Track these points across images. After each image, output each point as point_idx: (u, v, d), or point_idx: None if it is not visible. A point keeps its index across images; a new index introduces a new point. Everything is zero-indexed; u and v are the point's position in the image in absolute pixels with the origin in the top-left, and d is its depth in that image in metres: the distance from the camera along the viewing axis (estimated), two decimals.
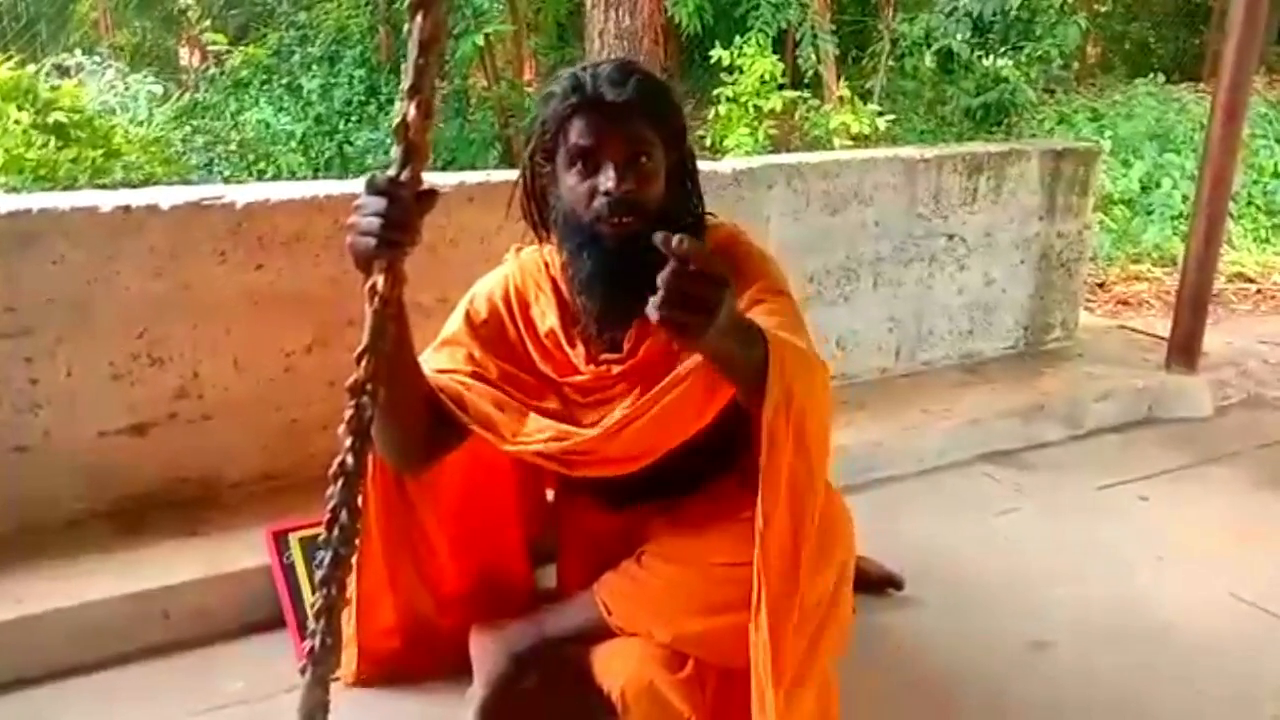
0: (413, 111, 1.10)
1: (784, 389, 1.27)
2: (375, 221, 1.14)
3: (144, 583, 1.83)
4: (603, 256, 1.44)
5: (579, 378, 1.56)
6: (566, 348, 1.57)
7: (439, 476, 1.63)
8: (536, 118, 1.51)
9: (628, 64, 1.48)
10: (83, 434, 2.01)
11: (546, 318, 1.58)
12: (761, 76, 5.71)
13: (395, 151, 1.14)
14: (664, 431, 1.46)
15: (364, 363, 1.16)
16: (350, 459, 1.15)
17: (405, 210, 1.15)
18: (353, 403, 1.16)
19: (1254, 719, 1.73)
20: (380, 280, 1.16)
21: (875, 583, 2.01)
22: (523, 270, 1.63)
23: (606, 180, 1.41)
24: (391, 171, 1.15)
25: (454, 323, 1.61)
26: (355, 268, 1.19)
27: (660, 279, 1.09)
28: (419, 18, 1.08)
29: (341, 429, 1.16)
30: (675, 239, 1.07)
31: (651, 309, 1.09)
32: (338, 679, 1.61)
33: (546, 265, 1.60)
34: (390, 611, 1.71)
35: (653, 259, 1.34)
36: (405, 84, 1.10)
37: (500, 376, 1.55)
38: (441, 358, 1.56)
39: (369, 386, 1.16)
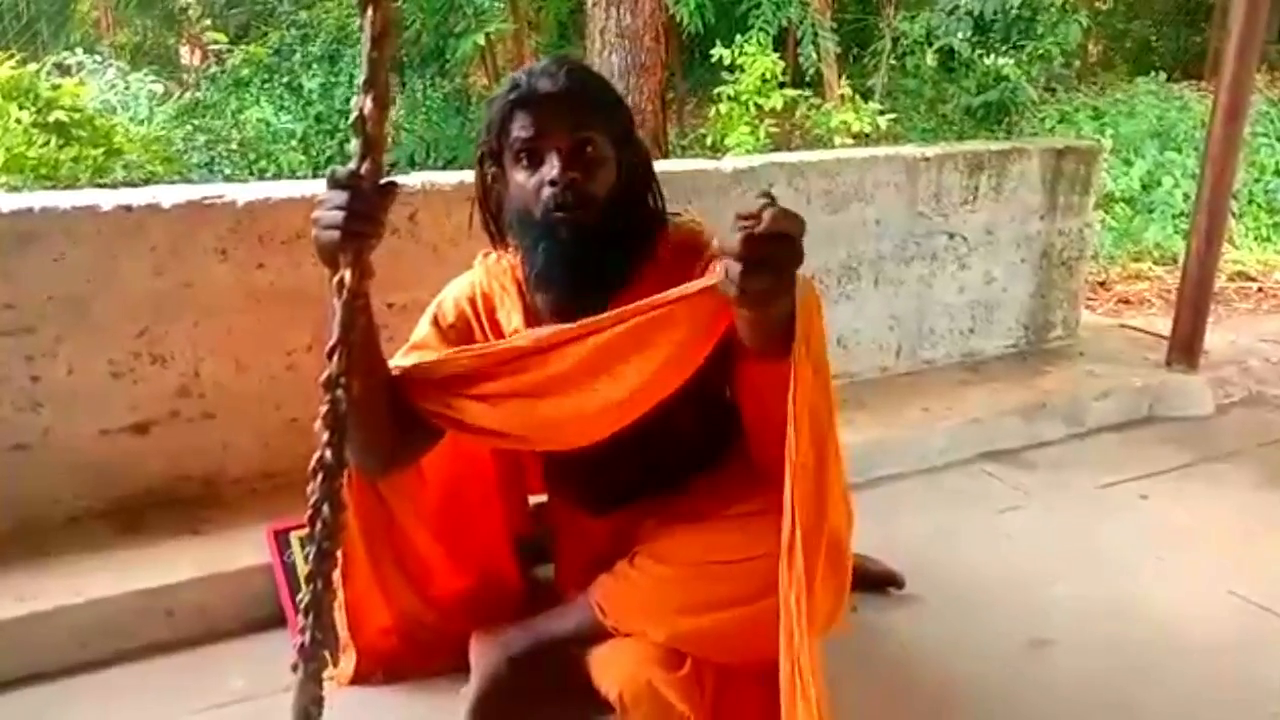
0: (369, 105, 1.11)
1: (804, 329, 1.24)
2: (338, 215, 1.15)
3: (146, 581, 1.83)
4: (556, 249, 1.42)
5: None
6: None
7: (417, 478, 1.64)
8: (483, 124, 1.51)
9: (563, 58, 1.49)
10: (84, 432, 2.01)
11: (512, 319, 1.58)
12: (762, 75, 5.70)
13: (354, 145, 1.15)
14: (618, 366, 1.35)
15: (335, 357, 1.16)
16: (329, 454, 1.16)
17: (367, 202, 1.15)
18: (327, 397, 1.16)
19: (1254, 719, 1.73)
20: (348, 273, 1.16)
21: (876, 581, 2.01)
22: (489, 274, 1.63)
23: (551, 170, 1.41)
24: (352, 165, 1.15)
25: (421, 328, 1.61)
26: (321, 262, 1.20)
27: (726, 247, 1.03)
28: (370, 12, 1.09)
29: (318, 424, 1.17)
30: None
31: (728, 285, 1.04)
32: (333, 677, 1.62)
33: (512, 269, 1.59)
34: (384, 611, 1.72)
35: (607, 249, 1.27)
36: (360, 78, 1.11)
37: None
38: (409, 362, 1.55)
39: (342, 380, 1.16)
